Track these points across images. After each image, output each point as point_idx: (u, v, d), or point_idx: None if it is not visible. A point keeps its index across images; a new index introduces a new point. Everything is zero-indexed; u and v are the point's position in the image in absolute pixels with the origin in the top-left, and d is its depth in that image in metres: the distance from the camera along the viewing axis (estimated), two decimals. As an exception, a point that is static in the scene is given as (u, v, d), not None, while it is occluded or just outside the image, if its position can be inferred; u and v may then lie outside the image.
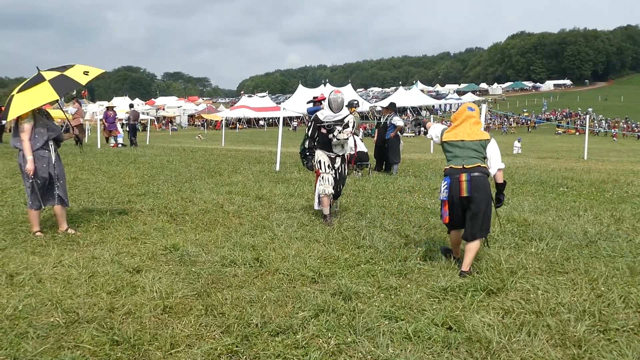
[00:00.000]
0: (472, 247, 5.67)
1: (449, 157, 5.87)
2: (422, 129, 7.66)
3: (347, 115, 8.08)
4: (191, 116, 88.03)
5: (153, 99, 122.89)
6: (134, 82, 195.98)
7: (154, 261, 6.02)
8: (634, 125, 67.97)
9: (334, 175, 8.16)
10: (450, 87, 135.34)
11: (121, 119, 24.30)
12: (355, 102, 15.36)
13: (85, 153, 18.46)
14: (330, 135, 8.00)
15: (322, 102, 15.36)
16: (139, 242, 6.83)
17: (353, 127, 8.16)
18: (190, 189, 10.77)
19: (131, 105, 26.74)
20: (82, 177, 12.14)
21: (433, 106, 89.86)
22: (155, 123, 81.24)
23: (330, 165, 8.16)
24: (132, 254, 6.26)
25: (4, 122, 23.45)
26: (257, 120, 78.24)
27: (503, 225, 7.54)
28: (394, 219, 8.23)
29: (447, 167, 5.83)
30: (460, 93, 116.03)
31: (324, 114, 8.09)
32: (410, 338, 4.03)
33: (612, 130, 60.88)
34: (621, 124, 70.00)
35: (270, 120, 76.59)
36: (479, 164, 5.69)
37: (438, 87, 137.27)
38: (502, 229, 7.41)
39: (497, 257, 6.02)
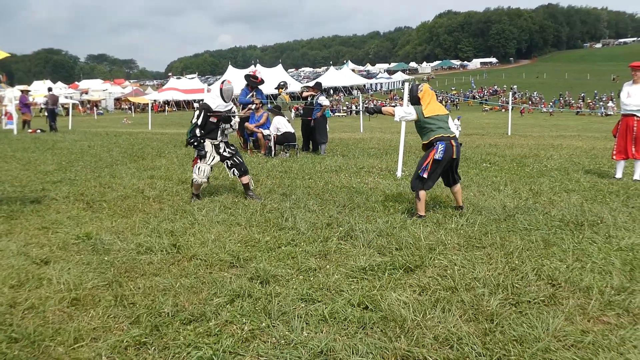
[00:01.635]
0: (459, 188, 7.46)
1: (433, 128, 7.06)
2: (376, 114, 8.06)
3: (233, 106, 8.37)
4: (117, 100, 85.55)
5: (76, 82, 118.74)
6: (55, 65, 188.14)
7: (65, 251, 5.76)
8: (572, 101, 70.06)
9: (228, 154, 8.34)
10: (381, 67, 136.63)
11: (38, 104, 23.18)
12: (283, 82, 15.32)
13: (1, 140, 17.64)
14: (227, 125, 8.32)
15: (255, 84, 15.12)
16: (50, 231, 6.53)
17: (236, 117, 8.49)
18: (110, 175, 10.42)
19: (50, 89, 25.52)
20: (-6, 165, 11.56)
21: (364, 85, 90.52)
22: (80, 107, 78.63)
23: (214, 152, 8.29)
24: (42, 244, 5.97)
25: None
26: (187, 102, 76.71)
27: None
28: (319, 199, 8.18)
29: (438, 136, 6.99)
30: (391, 72, 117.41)
31: (216, 103, 8.15)
32: (326, 320, 3.98)
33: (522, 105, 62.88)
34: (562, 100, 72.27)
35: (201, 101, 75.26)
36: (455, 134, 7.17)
37: (369, 67, 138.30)
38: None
39: (418, 234, 6.06)
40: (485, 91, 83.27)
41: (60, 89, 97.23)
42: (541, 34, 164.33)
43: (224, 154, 8.33)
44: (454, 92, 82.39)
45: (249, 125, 14.05)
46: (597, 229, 6.29)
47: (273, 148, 13.46)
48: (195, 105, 74.21)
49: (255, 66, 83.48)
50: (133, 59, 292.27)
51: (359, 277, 4.89)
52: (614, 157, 9.81)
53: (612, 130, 10.32)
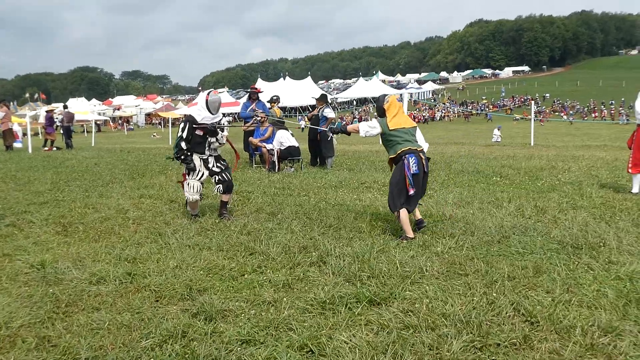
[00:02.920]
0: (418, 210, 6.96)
1: (399, 141, 6.70)
2: (341, 133, 7.58)
3: (221, 118, 7.98)
4: (148, 115, 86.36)
5: (110, 99, 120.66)
6: (91, 83, 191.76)
7: (13, 282, 5.36)
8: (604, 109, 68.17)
9: (218, 169, 7.91)
10: (411, 77, 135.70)
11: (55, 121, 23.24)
12: (276, 97, 14.94)
13: (12, 159, 17.57)
14: (213, 139, 7.83)
15: (254, 95, 14.76)
16: (8, 259, 6.14)
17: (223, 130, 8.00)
18: (99, 195, 10.07)
19: (65, 107, 25.53)
20: (-12, 186, 11.32)
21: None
22: (111, 123, 79.61)
23: (203, 167, 7.86)
24: (-9, 274, 5.59)
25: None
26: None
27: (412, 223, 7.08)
28: (306, 218, 7.68)
29: (405, 149, 6.63)
30: (421, 82, 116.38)
31: (202, 116, 7.67)
32: (259, 367, 3.48)
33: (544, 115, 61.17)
34: (577, 106, 70.49)
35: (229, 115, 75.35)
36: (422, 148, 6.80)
37: (399, 77, 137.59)
38: (412, 226, 6.93)
39: (396, 260, 5.51)
40: (517, 100, 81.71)
41: (95, 106, 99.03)
42: (575, 41, 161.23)
43: (214, 168, 7.88)
44: (485, 101, 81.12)
45: (253, 140, 13.63)
46: (598, 252, 5.66)
47: (277, 163, 13.00)
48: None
49: (284, 79, 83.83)
50: (166, 75, 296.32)
51: (315, 312, 4.38)
52: (630, 170, 9.06)
53: (627, 142, 9.56)
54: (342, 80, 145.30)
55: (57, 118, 23.61)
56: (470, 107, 73.75)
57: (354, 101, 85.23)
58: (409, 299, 4.56)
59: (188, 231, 7.13)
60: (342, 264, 5.47)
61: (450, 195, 9.06)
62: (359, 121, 64.87)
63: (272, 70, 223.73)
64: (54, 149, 22.25)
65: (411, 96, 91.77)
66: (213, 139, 7.84)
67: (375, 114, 7.35)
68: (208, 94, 7.87)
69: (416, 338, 3.79)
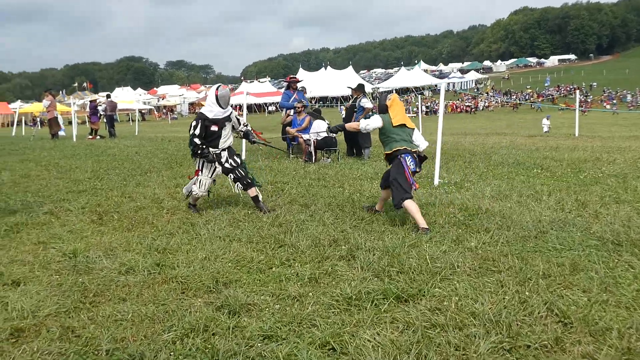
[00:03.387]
0: (388, 194, 7.10)
1: (397, 139, 6.86)
2: (340, 131, 7.64)
3: (232, 112, 7.86)
4: (192, 104, 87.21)
5: (155, 88, 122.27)
6: (136, 72, 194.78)
7: (45, 271, 5.40)
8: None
9: (231, 166, 7.86)
10: (454, 66, 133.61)
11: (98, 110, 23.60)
12: (302, 88, 15.37)
13: (57, 147, 17.92)
14: (229, 132, 7.89)
15: (294, 84, 14.75)
16: (43, 247, 6.21)
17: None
18: (137, 183, 10.15)
19: (108, 96, 25.90)
20: (31, 174, 11.52)
21: (436, 85, 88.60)
22: (155, 112, 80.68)
23: (216, 162, 7.78)
24: (26, 262, 5.64)
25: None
26: (258, 105, 77.16)
27: (448, 216, 6.91)
28: (339, 211, 7.57)
29: (401, 148, 6.80)
30: (464, 71, 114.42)
31: (213, 112, 7.63)
32: (279, 365, 3.39)
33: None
34: (629, 97, 68.27)
35: (272, 105, 75.57)
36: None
37: (441, 66, 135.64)
38: (446, 219, 6.76)
39: (427, 255, 5.36)
40: (562, 89, 79.70)
41: (140, 95, 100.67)
42: (623, 29, 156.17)
43: (226, 165, 7.82)
44: (529, 90, 79.40)
45: (291, 130, 13.57)
46: None
47: (313, 153, 12.91)
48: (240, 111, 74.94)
49: (325, 69, 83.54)
50: (209, 65, 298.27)
51: (341, 308, 4.27)
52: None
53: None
54: (383, 70, 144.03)
55: (100, 107, 23.83)
56: (514, 97, 72.29)
57: (394, 91, 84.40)
58: (438, 297, 4.42)
59: (220, 222, 7.10)
60: (372, 259, 5.34)
61: (488, 188, 8.81)
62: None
63: (314, 60, 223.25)
64: (98, 137, 22.61)
65: (453, 86, 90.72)
66: (231, 132, 7.93)
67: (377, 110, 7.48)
68: (217, 88, 7.77)
69: (442, 338, 3.65)
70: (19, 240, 6.51)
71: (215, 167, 7.79)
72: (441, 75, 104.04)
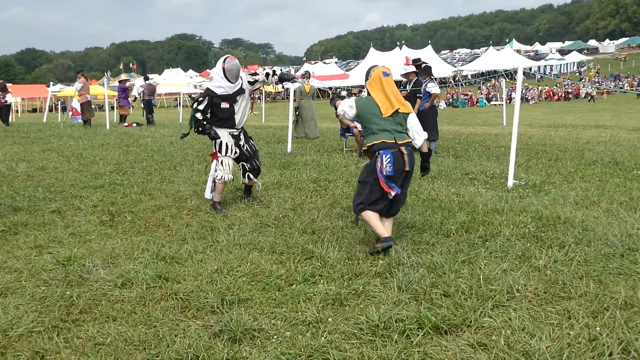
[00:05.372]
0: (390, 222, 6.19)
1: (375, 130, 5.99)
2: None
3: (242, 82, 7.88)
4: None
5: (208, 70, 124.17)
6: (188, 52, 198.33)
7: (33, 280, 5.34)
8: None
9: (248, 153, 8.09)
10: (552, 46, 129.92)
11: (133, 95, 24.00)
12: (307, 72, 16.16)
13: (86, 135, 18.28)
14: (245, 108, 7.98)
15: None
16: (37, 252, 6.18)
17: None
18: (162, 178, 10.12)
19: (146, 78, 26.26)
20: (49, 166, 11.69)
21: (530, 68, 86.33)
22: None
23: (234, 145, 7.97)
24: (14, 269, 5.59)
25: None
26: (322, 91, 77.06)
27: (517, 226, 6.50)
28: (387, 216, 7.27)
29: (378, 142, 5.91)
30: (564, 52, 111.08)
31: (222, 87, 7.73)
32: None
33: None
34: None
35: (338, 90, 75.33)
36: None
37: (537, 46, 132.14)
38: (514, 230, 6.35)
39: (481, 274, 5.00)
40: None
41: (191, 77, 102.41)
42: None
43: (244, 150, 8.05)
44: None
45: (345, 120, 13.28)
46: None
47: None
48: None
49: (400, 49, 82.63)
50: (269, 43, 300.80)
51: (363, 339, 3.98)
52: None
53: None
54: (469, 50, 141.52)
55: (137, 90, 24.19)
56: (624, 83, 69.65)
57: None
58: (486, 328, 4.06)
59: (244, 227, 6.92)
60: (412, 277, 5.02)
61: (572, 193, 8.31)
62: (487, 99, 63.14)
63: (388, 38, 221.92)
64: (134, 125, 22.95)
65: (551, 69, 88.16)
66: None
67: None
68: (224, 60, 7.84)
69: (481, 384, 3.32)
70: (14, 244, 6.51)
71: (235, 150, 7.96)
72: (537, 57, 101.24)
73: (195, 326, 4.27)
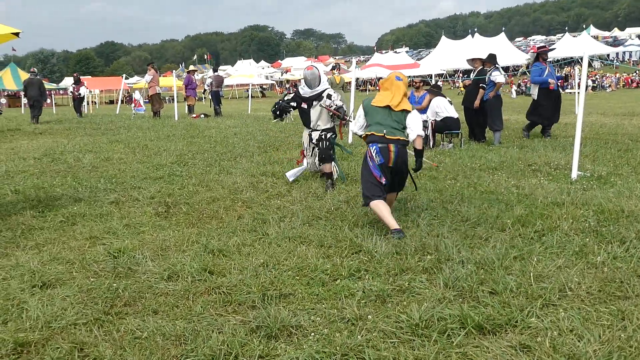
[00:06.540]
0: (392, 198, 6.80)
1: (370, 122, 6.50)
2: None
3: (324, 90, 8.57)
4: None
5: (280, 61, 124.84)
6: (260, 43, 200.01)
7: (83, 271, 5.40)
8: None
9: (319, 148, 8.71)
10: (632, 31, 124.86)
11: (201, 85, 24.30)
12: (336, 65, 16.02)
13: (154, 127, 18.61)
14: (321, 114, 8.65)
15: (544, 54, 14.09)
16: (91, 243, 6.27)
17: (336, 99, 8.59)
18: (221, 170, 10.17)
19: (215, 70, 26.57)
20: (114, 157, 11.94)
21: (608, 55, 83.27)
22: (277, 88, 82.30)
23: (309, 143, 8.87)
24: (65, 260, 5.67)
25: (82, 92, 24.40)
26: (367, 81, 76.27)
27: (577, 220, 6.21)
28: (442, 209, 7.08)
29: (369, 133, 6.46)
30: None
31: (303, 90, 8.67)
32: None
33: None
34: None
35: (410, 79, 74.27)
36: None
37: (616, 32, 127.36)
38: (573, 225, 6.08)
39: (535, 271, 4.78)
40: None
41: (263, 68, 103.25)
42: None
43: (316, 150, 8.70)
44: None
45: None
46: None
47: (431, 137, 12.37)
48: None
49: (472, 37, 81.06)
50: (341, 33, 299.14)
51: (402, 338, 3.84)
52: None
53: None
54: (544, 37, 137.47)
55: (205, 82, 24.51)
56: None
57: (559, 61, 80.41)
58: (532, 329, 3.86)
59: (295, 220, 6.85)
60: (460, 273, 4.84)
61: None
62: (560, 87, 61.08)
63: (461, 26, 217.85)
64: (202, 116, 23.24)
65: (630, 55, 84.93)
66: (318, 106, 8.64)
67: None
68: (304, 70, 8.94)
69: (520, 390, 3.15)
70: (71, 234, 6.63)
71: (311, 147, 8.83)
72: (615, 43, 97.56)
73: (234, 321, 4.21)
